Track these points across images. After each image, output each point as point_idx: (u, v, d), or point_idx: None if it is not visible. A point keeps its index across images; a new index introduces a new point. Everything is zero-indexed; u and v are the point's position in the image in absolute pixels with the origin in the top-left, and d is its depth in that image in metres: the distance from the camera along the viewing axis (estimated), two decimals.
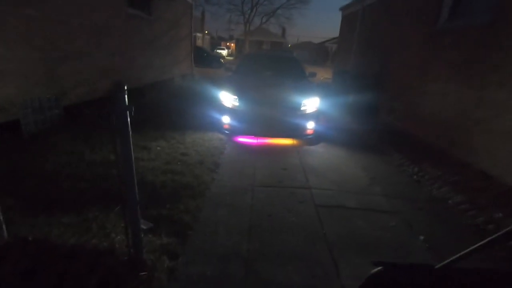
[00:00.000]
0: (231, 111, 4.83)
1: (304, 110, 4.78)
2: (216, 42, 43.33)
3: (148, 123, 5.35)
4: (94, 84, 5.58)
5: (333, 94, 8.63)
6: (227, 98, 4.86)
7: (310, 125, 4.84)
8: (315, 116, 4.88)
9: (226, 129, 4.94)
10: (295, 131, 4.84)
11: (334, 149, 4.87)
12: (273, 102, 4.73)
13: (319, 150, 4.79)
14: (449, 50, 4.96)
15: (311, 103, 4.80)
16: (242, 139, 4.99)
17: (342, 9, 12.58)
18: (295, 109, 4.73)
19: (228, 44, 45.44)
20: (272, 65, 6.42)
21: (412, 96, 6.00)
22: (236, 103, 4.78)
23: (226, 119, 4.88)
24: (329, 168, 4.04)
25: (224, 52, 34.27)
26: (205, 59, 20.12)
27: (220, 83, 7.34)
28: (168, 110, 6.42)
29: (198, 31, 35.67)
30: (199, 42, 34.56)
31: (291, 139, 5.10)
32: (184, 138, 4.66)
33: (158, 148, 4.10)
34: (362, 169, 4.11)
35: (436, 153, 4.75)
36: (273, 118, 4.72)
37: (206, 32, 41.56)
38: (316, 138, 5.01)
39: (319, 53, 37.75)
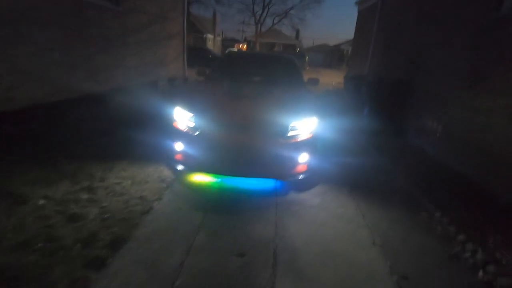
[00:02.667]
0: (185, 136, 3.18)
1: (294, 136, 3.05)
2: (228, 44, 42.03)
3: (74, 146, 3.79)
4: (8, 91, 4.08)
5: (342, 106, 6.80)
6: (182, 116, 3.22)
7: (302, 159, 3.09)
8: (311, 145, 3.13)
9: (179, 162, 3.29)
10: (278, 169, 3.09)
11: (337, 199, 3.10)
12: (247, 123, 3.03)
13: (313, 202, 3.02)
14: None
15: (305, 126, 3.07)
16: (198, 180, 3.33)
17: (358, 3, 10.72)
18: (280, 135, 3.01)
19: (240, 46, 44.05)
20: (259, 69, 4.74)
21: (458, 114, 4.13)
22: (192, 124, 3.13)
23: (179, 147, 3.24)
24: (323, 249, 2.28)
25: None
26: (209, 60, 18.87)
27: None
28: (121, 124, 4.84)
29: (209, 32, 34.49)
30: (209, 44, 33.28)
31: (273, 179, 3.37)
32: (106, 177, 3.05)
33: (41, 201, 2.48)
34: (382, 249, 2.34)
35: (506, 211, 2.91)
36: (246, 148, 3.02)
37: (221, 33, 40.26)
38: (311, 178, 3.20)
39: (335, 55, 35.71)
